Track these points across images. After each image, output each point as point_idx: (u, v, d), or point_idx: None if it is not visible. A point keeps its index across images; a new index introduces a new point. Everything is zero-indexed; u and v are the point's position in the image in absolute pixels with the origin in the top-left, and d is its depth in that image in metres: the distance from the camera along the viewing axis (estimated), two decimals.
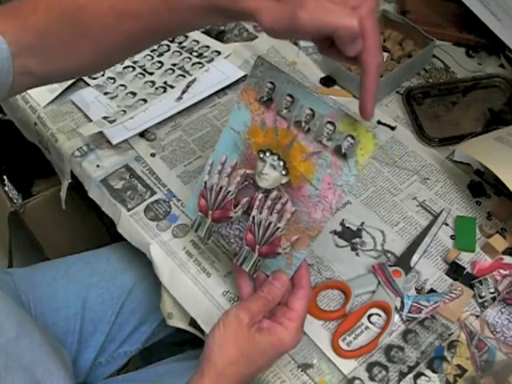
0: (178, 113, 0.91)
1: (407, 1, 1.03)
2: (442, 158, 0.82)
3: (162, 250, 0.75)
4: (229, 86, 0.94)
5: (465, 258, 0.72)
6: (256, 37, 1.02)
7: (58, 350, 0.74)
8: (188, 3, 0.55)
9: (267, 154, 0.60)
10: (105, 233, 1.29)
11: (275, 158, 0.59)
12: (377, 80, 0.52)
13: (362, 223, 0.76)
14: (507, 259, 0.71)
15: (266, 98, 0.60)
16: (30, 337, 0.69)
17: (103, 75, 0.96)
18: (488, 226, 0.74)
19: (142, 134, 0.88)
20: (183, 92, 0.93)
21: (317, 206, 0.59)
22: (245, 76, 0.94)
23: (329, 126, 0.57)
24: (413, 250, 0.72)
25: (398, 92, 0.91)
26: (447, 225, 0.75)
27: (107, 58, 0.64)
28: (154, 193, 0.81)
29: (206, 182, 0.64)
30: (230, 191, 0.62)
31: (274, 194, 0.60)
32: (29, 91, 0.95)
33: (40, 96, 0.94)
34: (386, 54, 0.94)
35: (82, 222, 1.28)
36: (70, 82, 0.94)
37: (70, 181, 0.91)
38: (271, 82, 0.59)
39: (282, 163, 0.59)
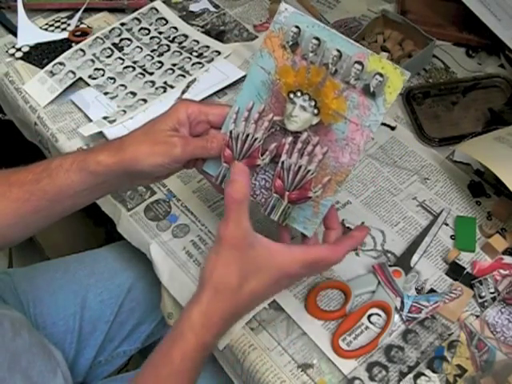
0: None
1: (407, 1, 1.03)
2: (442, 158, 0.82)
3: (162, 249, 0.75)
4: (229, 86, 0.94)
5: (465, 258, 0.72)
6: (256, 37, 1.02)
7: (50, 352, 0.74)
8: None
9: (298, 95, 0.58)
10: (104, 233, 1.29)
11: (306, 98, 0.58)
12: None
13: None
14: (507, 259, 0.71)
15: (291, 43, 0.60)
16: (21, 336, 0.69)
17: (103, 75, 0.96)
18: (488, 226, 0.74)
19: None
20: (183, 92, 0.93)
21: (344, 150, 0.59)
22: (245, 76, 0.94)
23: (357, 65, 0.57)
24: (413, 250, 0.72)
25: None
26: (447, 225, 0.75)
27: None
28: (153, 193, 0.81)
29: (231, 132, 0.62)
30: (257, 138, 0.61)
31: (304, 135, 0.59)
32: (29, 91, 0.95)
33: (40, 96, 0.94)
34: (385, 54, 0.94)
35: (81, 222, 1.28)
36: (70, 81, 0.94)
37: None
38: (296, 26, 0.59)
39: (312, 103, 0.58)
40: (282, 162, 0.60)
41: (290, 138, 0.60)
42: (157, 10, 1.06)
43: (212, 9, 1.09)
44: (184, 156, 0.62)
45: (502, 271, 0.70)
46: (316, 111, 0.58)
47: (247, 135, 0.61)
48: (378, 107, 0.58)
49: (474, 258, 0.72)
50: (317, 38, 0.59)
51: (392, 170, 0.82)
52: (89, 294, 0.87)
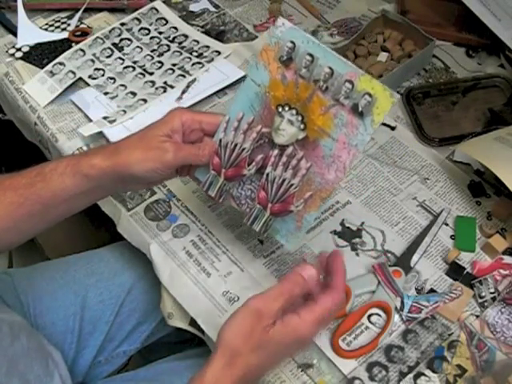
0: None
1: (407, 1, 1.03)
2: (442, 158, 0.82)
3: (162, 250, 0.75)
4: (229, 86, 0.94)
5: (465, 258, 0.72)
6: (256, 37, 1.02)
7: (48, 355, 0.74)
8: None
9: (286, 109, 0.59)
10: (104, 233, 1.29)
11: (293, 112, 0.59)
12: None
13: (362, 223, 0.76)
14: (507, 259, 0.71)
15: (285, 58, 0.61)
16: (19, 341, 0.69)
17: (103, 75, 0.96)
18: (488, 226, 0.74)
19: None
20: (183, 92, 0.93)
21: (330, 167, 0.60)
22: (245, 76, 0.94)
23: (347, 84, 0.58)
24: (413, 250, 0.72)
25: (398, 92, 0.91)
26: (447, 225, 0.75)
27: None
28: (153, 193, 0.81)
29: (220, 140, 0.63)
30: (244, 148, 0.62)
31: (289, 149, 0.60)
32: (29, 91, 0.95)
33: (40, 96, 0.94)
34: (385, 54, 0.94)
35: (81, 222, 1.28)
36: (70, 81, 0.94)
37: None
38: (292, 42, 0.60)
39: (300, 117, 0.59)
40: (267, 174, 0.61)
41: (276, 151, 0.61)
42: (157, 9, 1.06)
43: (212, 9, 1.09)
44: (175, 162, 0.63)
45: (501, 271, 0.70)
46: (302, 126, 0.59)
47: (235, 145, 0.62)
48: (366, 127, 0.58)
49: (474, 257, 0.72)
50: (311, 55, 0.59)
51: (392, 170, 0.82)
52: (89, 294, 0.87)
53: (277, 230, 0.63)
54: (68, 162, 0.64)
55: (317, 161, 0.60)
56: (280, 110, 0.60)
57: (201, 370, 0.55)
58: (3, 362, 0.64)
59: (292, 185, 0.60)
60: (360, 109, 0.58)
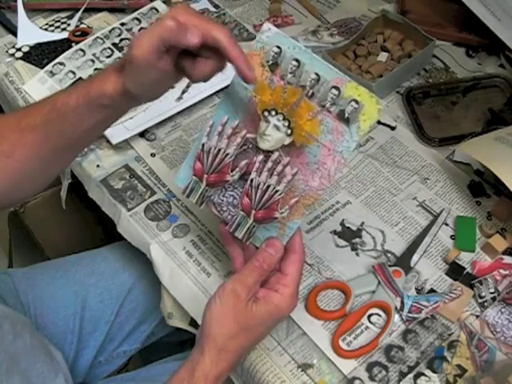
0: (178, 113, 0.91)
1: (407, 1, 1.03)
2: (442, 158, 0.82)
3: (162, 250, 0.75)
4: (229, 86, 0.93)
5: (465, 258, 0.72)
6: (256, 37, 1.02)
7: (50, 353, 0.74)
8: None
9: (272, 113, 0.58)
10: (104, 233, 1.29)
11: (280, 117, 0.58)
12: (238, 46, 0.57)
13: (362, 223, 0.76)
14: (507, 259, 0.71)
15: (271, 62, 0.61)
16: (22, 338, 0.69)
17: None
18: (488, 226, 0.74)
19: (142, 134, 0.88)
20: (183, 92, 0.92)
21: (315, 174, 0.59)
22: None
23: (334, 90, 0.58)
24: (413, 250, 0.72)
25: (398, 92, 0.91)
26: (447, 225, 0.75)
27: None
28: (153, 193, 0.81)
29: (203, 145, 0.62)
30: (228, 153, 0.61)
31: (275, 155, 0.59)
32: (29, 91, 0.95)
33: (40, 96, 0.93)
34: (385, 54, 0.94)
35: (81, 222, 1.28)
36: (70, 81, 0.94)
37: (70, 181, 0.91)
38: (278, 47, 0.60)
39: (286, 123, 0.58)
40: (251, 180, 0.60)
41: (260, 157, 0.60)
42: (157, 9, 1.06)
43: (212, 9, 1.08)
44: (176, 32, 0.56)
45: (501, 271, 0.70)
46: (289, 131, 0.58)
47: (219, 150, 0.61)
48: (352, 134, 0.58)
49: (474, 257, 0.72)
50: (297, 60, 0.59)
51: (392, 170, 0.82)
52: (89, 294, 0.87)
53: (258, 238, 0.61)
54: (78, 93, 0.63)
55: (301, 167, 0.60)
56: (266, 114, 0.59)
57: (187, 365, 0.56)
58: (4, 359, 0.64)
59: (277, 191, 0.59)
60: (346, 115, 0.57)
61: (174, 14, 0.57)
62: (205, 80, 0.63)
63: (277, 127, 0.58)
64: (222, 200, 0.63)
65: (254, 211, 0.60)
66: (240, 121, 0.62)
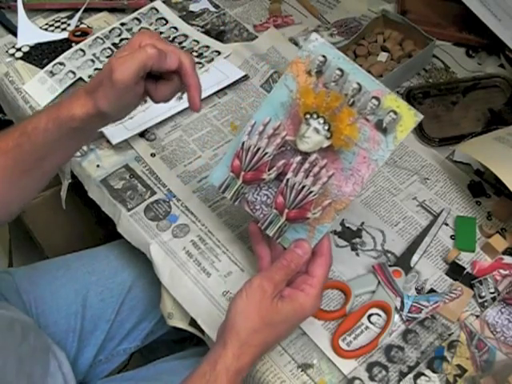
0: (178, 113, 0.90)
1: (407, 1, 1.03)
2: (442, 158, 0.82)
3: (162, 249, 0.75)
4: (229, 86, 0.94)
5: (465, 258, 0.72)
6: (256, 37, 1.02)
7: (53, 354, 0.75)
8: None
9: (314, 116, 0.60)
10: (103, 232, 1.29)
11: (321, 121, 0.60)
12: (196, 74, 0.64)
13: (362, 223, 0.76)
14: (507, 259, 0.71)
15: (315, 70, 0.62)
16: (27, 341, 0.69)
17: None
18: (488, 226, 0.74)
19: (142, 134, 0.88)
20: (183, 92, 0.92)
21: (348, 180, 0.61)
22: (245, 76, 0.94)
23: (374, 100, 0.59)
24: (413, 250, 0.72)
25: (398, 92, 0.91)
26: (447, 225, 0.75)
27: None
28: (154, 193, 0.81)
29: (243, 143, 0.64)
30: (267, 153, 0.62)
31: (313, 157, 0.61)
32: (29, 91, 0.95)
33: (40, 96, 0.94)
34: (385, 54, 0.94)
35: (81, 222, 1.28)
36: (70, 81, 0.94)
37: (70, 181, 0.91)
38: (323, 56, 0.62)
39: (327, 126, 0.60)
40: (287, 180, 0.61)
41: (298, 158, 0.61)
42: (157, 9, 1.06)
43: (212, 9, 1.09)
44: (156, 58, 0.60)
45: (502, 271, 0.70)
46: (329, 135, 0.60)
47: (258, 148, 0.63)
48: (388, 143, 0.59)
49: (474, 257, 0.72)
50: (341, 70, 0.61)
51: (392, 170, 0.82)
52: (90, 292, 0.87)
53: (287, 239, 0.63)
54: (47, 117, 0.64)
55: (335, 173, 0.61)
56: (308, 117, 0.60)
57: (209, 359, 0.56)
58: (13, 361, 0.64)
59: (311, 192, 0.60)
60: (384, 125, 0.59)
61: (152, 42, 0.61)
62: (165, 101, 0.68)
63: (317, 130, 0.60)
64: (256, 198, 0.64)
65: (287, 210, 0.61)
66: (283, 121, 0.64)
